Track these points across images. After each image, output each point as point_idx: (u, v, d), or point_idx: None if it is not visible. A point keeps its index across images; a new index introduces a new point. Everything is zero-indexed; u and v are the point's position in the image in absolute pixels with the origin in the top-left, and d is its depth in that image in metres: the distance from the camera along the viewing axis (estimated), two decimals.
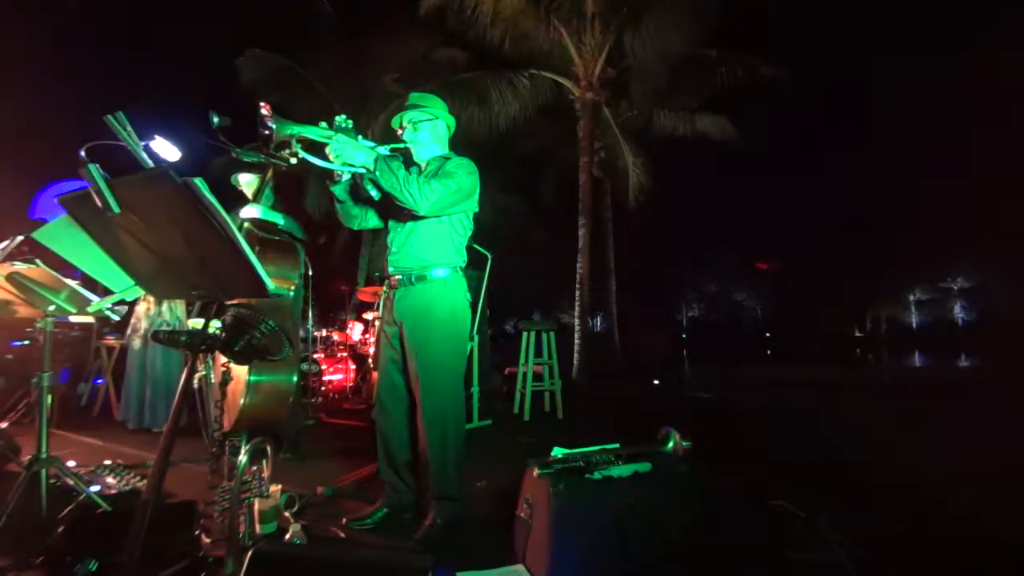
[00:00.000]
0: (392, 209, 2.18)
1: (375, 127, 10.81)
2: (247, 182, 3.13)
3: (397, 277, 2.17)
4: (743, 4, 7.68)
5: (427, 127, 2.22)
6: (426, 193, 1.96)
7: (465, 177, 2.08)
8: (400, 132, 2.24)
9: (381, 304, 5.69)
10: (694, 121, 10.14)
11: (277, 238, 2.63)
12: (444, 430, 2.07)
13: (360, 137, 1.99)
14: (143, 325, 4.01)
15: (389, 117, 2.35)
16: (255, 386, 2.19)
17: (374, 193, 2.12)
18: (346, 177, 2.10)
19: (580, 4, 7.73)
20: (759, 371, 12.57)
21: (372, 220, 2.29)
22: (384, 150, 2.11)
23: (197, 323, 1.58)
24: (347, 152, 1.94)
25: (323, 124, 1.92)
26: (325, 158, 1.95)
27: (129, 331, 4.15)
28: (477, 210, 2.25)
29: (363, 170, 2.00)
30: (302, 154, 1.87)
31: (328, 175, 2.11)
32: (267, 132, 1.74)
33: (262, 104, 1.73)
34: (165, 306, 4.01)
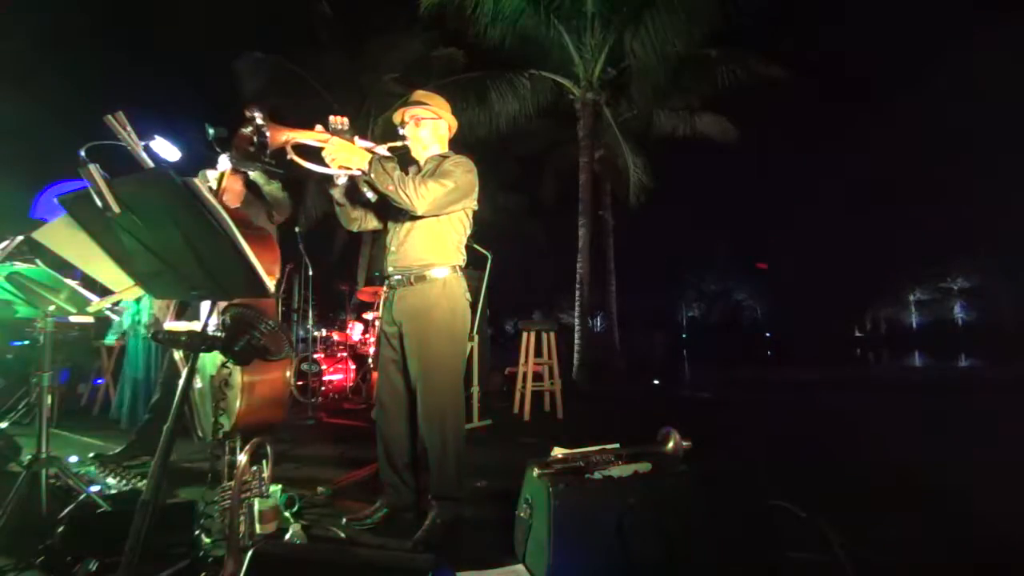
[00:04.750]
0: (391, 209, 2.18)
1: (375, 128, 10.83)
2: (214, 177, 3.11)
3: (396, 277, 2.16)
4: (743, 4, 7.64)
5: (428, 125, 2.21)
6: (422, 193, 1.96)
7: (463, 175, 2.08)
8: (401, 128, 2.23)
9: (381, 304, 5.69)
10: (694, 121, 10.16)
11: (254, 231, 2.63)
12: (444, 430, 2.07)
13: (356, 138, 1.98)
14: (126, 324, 4.01)
15: (392, 115, 2.34)
16: (249, 387, 2.18)
17: (371, 195, 2.11)
18: (343, 180, 2.09)
19: (580, 4, 7.72)
20: (759, 371, 12.58)
21: (372, 222, 2.28)
22: (382, 149, 2.11)
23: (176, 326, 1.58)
24: (343, 155, 1.92)
25: (318, 127, 1.91)
26: (321, 162, 1.94)
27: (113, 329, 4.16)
28: (477, 208, 2.24)
29: (359, 172, 1.99)
30: (298, 160, 1.86)
31: (326, 178, 2.09)
32: (262, 140, 1.72)
33: (256, 113, 1.71)
34: (145, 304, 4.00)
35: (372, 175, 1.95)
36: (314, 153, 1.93)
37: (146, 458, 2.90)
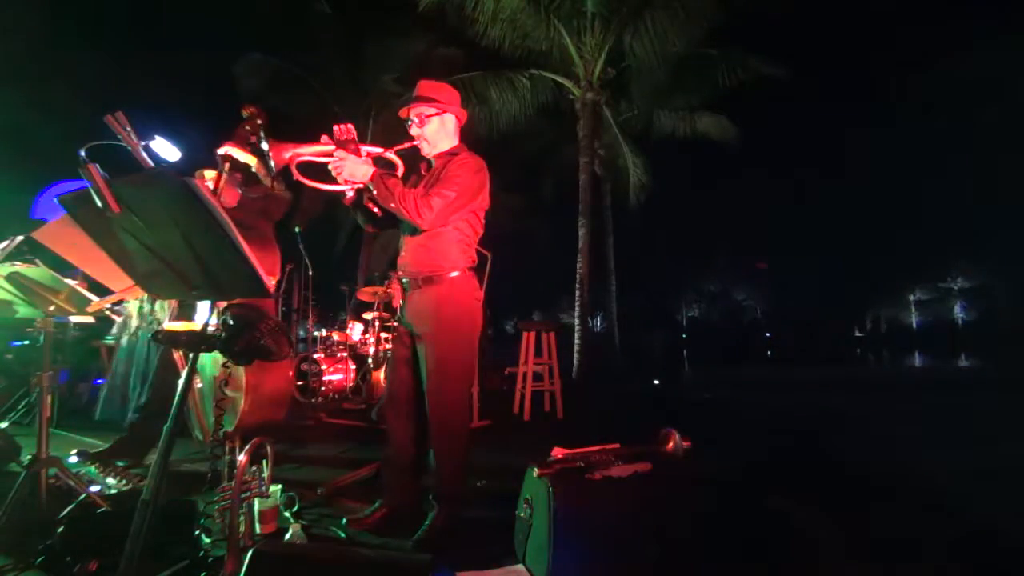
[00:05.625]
0: None
1: (375, 127, 10.83)
2: (211, 177, 3.10)
3: (406, 280, 2.16)
4: (743, 3, 7.64)
5: (435, 121, 2.17)
6: (423, 209, 1.96)
7: (468, 178, 2.06)
8: (408, 126, 2.20)
9: (382, 303, 5.66)
10: (694, 121, 10.15)
11: (254, 231, 2.64)
12: (450, 432, 2.07)
13: (362, 146, 1.98)
14: (135, 323, 4.00)
15: (390, 116, 2.35)
16: (253, 386, 2.19)
17: (375, 209, 2.12)
18: (351, 193, 2.09)
19: (580, 4, 7.73)
20: (759, 371, 12.58)
21: (390, 225, 2.25)
22: (390, 154, 2.11)
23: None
24: (348, 169, 1.93)
25: (324, 137, 1.92)
26: (327, 177, 1.94)
27: (116, 329, 4.16)
28: (488, 207, 2.22)
29: (361, 185, 2.00)
30: (304, 181, 1.87)
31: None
32: (268, 160, 1.74)
33: (261, 134, 1.72)
34: (157, 304, 4.00)
35: (374, 193, 1.96)
36: (320, 169, 1.94)
37: (129, 459, 2.87)
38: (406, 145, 2.16)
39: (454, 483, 2.08)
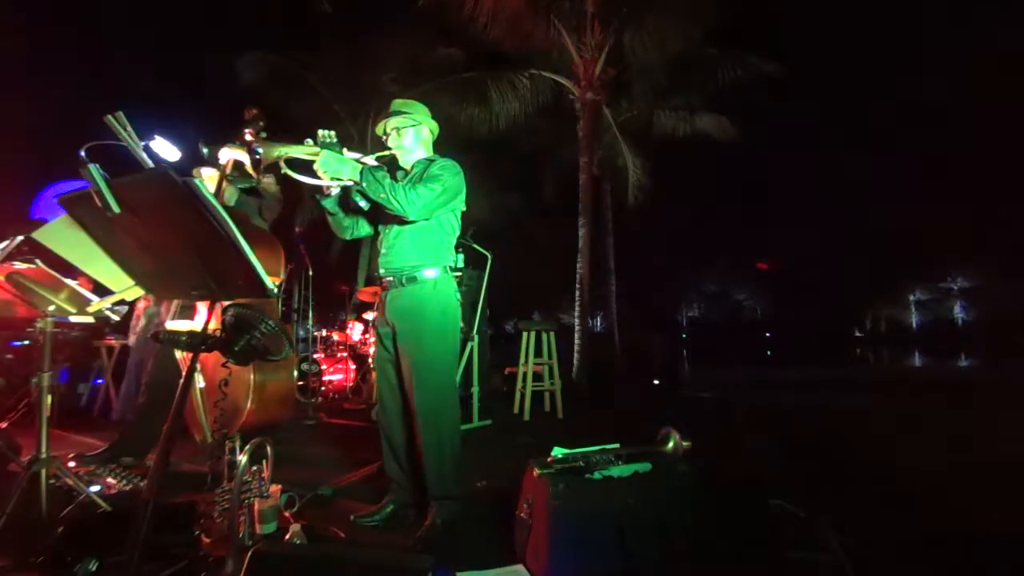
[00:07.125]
0: (380, 213, 2.22)
1: (375, 127, 10.82)
2: (208, 175, 3.08)
3: (388, 279, 2.20)
4: (743, 2, 7.64)
5: (411, 132, 2.27)
6: (412, 199, 2.01)
7: (450, 178, 2.13)
8: (385, 139, 2.30)
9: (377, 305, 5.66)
10: (694, 121, 10.12)
11: (257, 231, 2.64)
12: (439, 430, 2.08)
13: (344, 149, 2.06)
14: (142, 322, 3.99)
15: (376, 127, 2.42)
16: (260, 388, 2.20)
17: (363, 204, 2.18)
18: (335, 191, 2.15)
19: (580, 4, 7.72)
20: (759, 371, 12.58)
21: (364, 229, 2.34)
22: (371, 159, 2.16)
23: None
24: (333, 167, 2.00)
25: (308, 140, 1.97)
26: (313, 174, 2.01)
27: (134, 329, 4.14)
28: (465, 209, 2.29)
29: (350, 182, 2.05)
30: (292, 175, 1.96)
31: (318, 190, 2.16)
32: (256, 156, 1.79)
33: (247, 130, 1.79)
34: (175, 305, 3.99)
35: (364, 184, 2.01)
36: (306, 166, 2.00)
37: (128, 459, 2.87)
38: (386, 153, 2.24)
39: (450, 482, 2.09)
